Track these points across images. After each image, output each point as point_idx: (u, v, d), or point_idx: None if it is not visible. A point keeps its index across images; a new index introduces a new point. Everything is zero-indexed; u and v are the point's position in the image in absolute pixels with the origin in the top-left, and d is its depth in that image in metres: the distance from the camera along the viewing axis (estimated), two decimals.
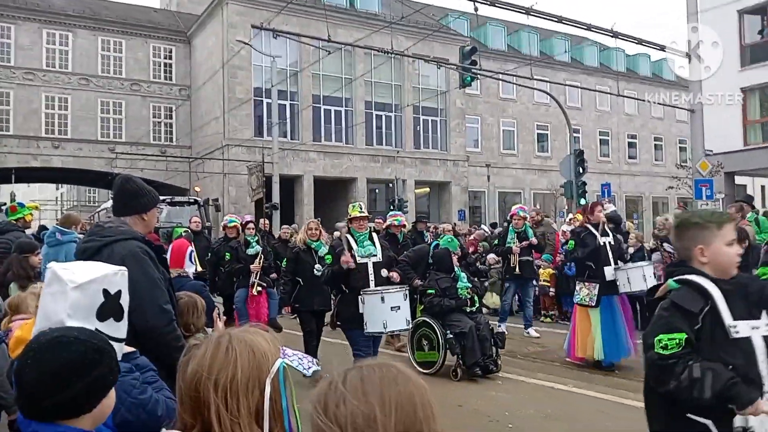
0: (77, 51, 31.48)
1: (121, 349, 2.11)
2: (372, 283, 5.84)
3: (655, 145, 43.09)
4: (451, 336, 6.91)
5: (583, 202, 18.75)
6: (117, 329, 2.05)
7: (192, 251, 5.71)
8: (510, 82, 29.61)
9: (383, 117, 32.95)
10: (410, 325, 6.03)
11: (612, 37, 15.94)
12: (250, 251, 8.50)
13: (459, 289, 7.29)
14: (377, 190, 34.26)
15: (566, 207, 20.69)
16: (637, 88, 39.85)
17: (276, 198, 23.10)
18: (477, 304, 7.45)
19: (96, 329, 1.96)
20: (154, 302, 2.76)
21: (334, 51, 22.52)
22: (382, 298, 5.70)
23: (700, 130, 16.88)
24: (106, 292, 2.02)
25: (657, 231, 11.00)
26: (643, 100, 23.97)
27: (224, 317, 3.29)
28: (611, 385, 6.68)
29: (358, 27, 28.32)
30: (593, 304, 7.38)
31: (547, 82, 25.41)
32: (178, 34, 33.72)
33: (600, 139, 41.01)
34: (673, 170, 30.27)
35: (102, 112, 32.09)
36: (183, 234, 9.62)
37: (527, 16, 14.76)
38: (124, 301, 2.12)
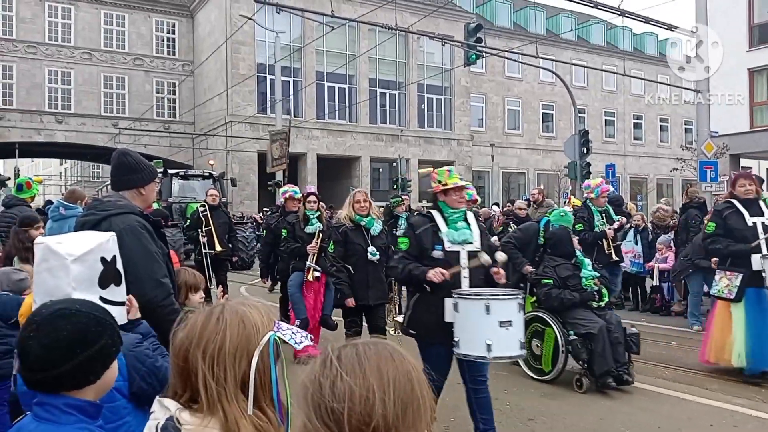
0: (80, 24, 31.28)
1: (121, 312, 2.14)
2: (465, 282, 4.06)
3: (660, 126, 42.80)
4: (576, 338, 5.67)
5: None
6: (119, 293, 2.09)
7: None
8: (516, 61, 29.34)
9: (387, 95, 32.75)
10: (524, 351, 4.19)
11: (619, 15, 15.74)
12: (309, 229, 7.10)
13: (583, 279, 5.92)
14: (380, 169, 34.19)
15: (569, 188, 20.64)
16: (644, 68, 39.48)
17: (279, 176, 23.05)
18: (606, 299, 6.06)
19: (100, 297, 2.00)
20: (152, 275, 2.77)
21: (338, 27, 22.33)
22: (488, 307, 3.85)
23: (705, 112, 16.73)
24: (103, 260, 2.06)
25: (657, 221, 10.66)
26: (650, 80, 23.78)
27: (227, 295, 3.29)
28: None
29: (362, 2, 28.02)
30: (731, 297, 5.97)
31: (553, 60, 25.19)
32: (180, 8, 33.44)
33: (605, 120, 40.75)
34: (678, 152, 30.06)
35: (105, 86, 31.99)
36: (199, 209, 8.84)
37: None
38: (120, 265, 2.17)
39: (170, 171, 19.54)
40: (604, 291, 6.04)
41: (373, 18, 18.55)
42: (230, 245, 8.97)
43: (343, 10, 23.26)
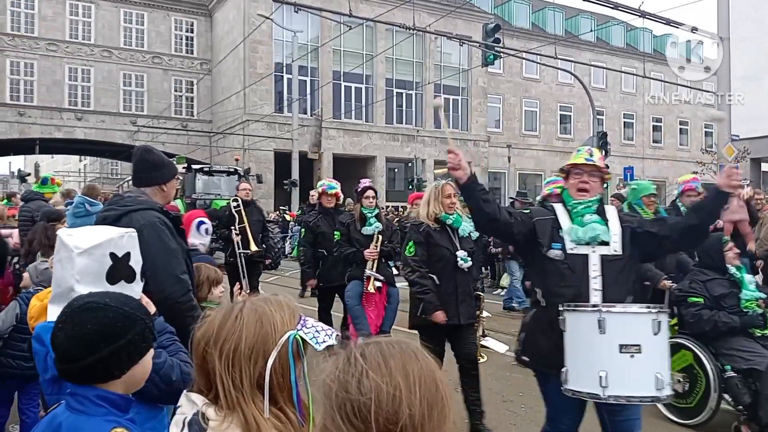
0: (100, 23, 31.63)
1: None
2: (597, 295, 3.00)
3: (680, 129, 42.36)
4: (734, 374, 4.50)
5: (604, 186, 18.51)
6: (129, 291, 2.06)
7: (201, 222, 4.62)
8: (534, 62, 29.19)
9: (404, 95, 32.73)
10: (665, 392, 2.84)
11: (639, 16, 15.58)
12: (367, 230, 6.00)
13: (743, 300, 4.71)
14: (396, 170, 34.16)
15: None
16: (664, 69, 39.10)
17: (295, 175, 23.16)
18: None
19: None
20: (171, 271, 2.78)
21: (355, 26, 22.37)
22: (600, 323, 2.80)
23: (726, 115, 16.52)
24: (113, 255, 2.03)
25: None
26: (670, 83, 23.53)
27: (246, 293, 3.27)
28: None
29: (380, 2, 28.01)
30: None
31: (571, 62, 25.02)
32: (199, 7, 33.67)
33: (624, 122, 40.40)
34: (698, 155, 29.76)
35: (124, 84, 32.31)
36: (232, 204, 7.97)
37: None
38: (135, 262, 2.12)
39: (194, 167, 19.04)
40: None
41: (390, 18, 18.54)
42: (263, 245, 8.03)
43: (360, 10, 23.26)
